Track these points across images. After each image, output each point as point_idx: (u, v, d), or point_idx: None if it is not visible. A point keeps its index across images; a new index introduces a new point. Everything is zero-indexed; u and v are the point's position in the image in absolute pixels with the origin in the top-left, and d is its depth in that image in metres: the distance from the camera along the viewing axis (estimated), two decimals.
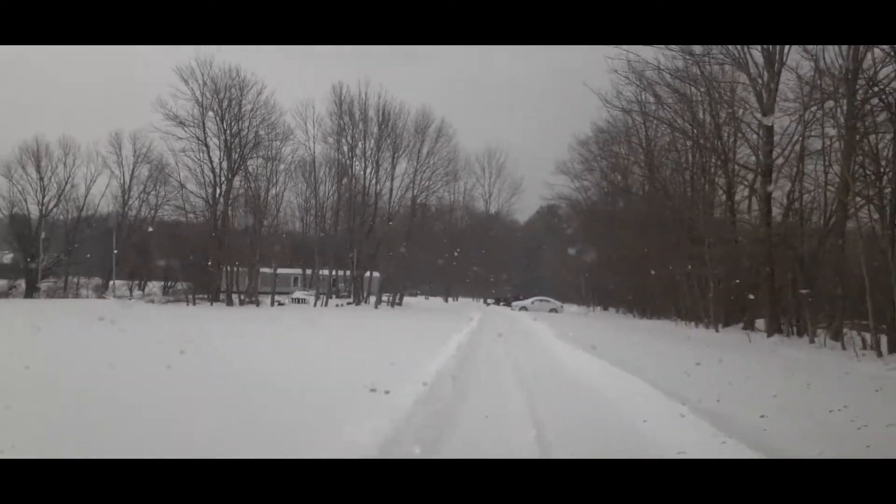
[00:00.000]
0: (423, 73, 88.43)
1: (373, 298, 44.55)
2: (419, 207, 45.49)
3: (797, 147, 19.65)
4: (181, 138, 39.50)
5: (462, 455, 4.93)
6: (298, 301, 43.26)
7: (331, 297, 44.95)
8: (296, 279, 57.91)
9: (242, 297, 40.20)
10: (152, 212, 52.34)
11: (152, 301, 40.68)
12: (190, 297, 39.70)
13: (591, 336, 18.21)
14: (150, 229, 49.53)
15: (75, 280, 51.12)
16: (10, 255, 51.54)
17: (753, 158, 22.81)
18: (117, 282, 52.92)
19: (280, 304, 41.27)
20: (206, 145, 39.85)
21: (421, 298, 62.39)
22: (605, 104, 28.95)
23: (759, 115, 20.81)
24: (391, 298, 44.71)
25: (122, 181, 52.97)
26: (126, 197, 54.19)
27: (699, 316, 26.51)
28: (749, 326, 23.49)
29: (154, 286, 52.71)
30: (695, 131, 25.86)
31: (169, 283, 49.81)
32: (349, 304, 43.03)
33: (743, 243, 23.90)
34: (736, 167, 23.82)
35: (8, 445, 4.40)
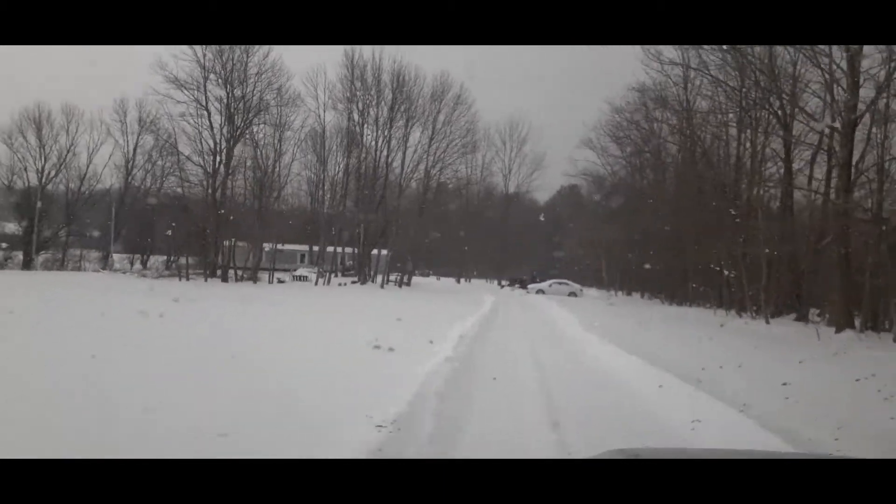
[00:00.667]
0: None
1: (380, 277, 41.80)
2: (433, 181, 42.34)
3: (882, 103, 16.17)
4: (181, 102, 36.70)
5: None
6: (300, 278, 40.61)
7: (336, 275, 42.34)
8: (303, 256, 55.35)
9: (241, 274, 37.63)
10: (157, 182, 49.98)
11: (145, 276, 38.25)
12: (184, 272, 37.15)
13: (627, 330, 15.15)
14: (153, 201, 47.11)
15: (78, 252, 49.08)
16: (8, 226, 49.61)
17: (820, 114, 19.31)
18: (120, 255, 50.88)
19: (280, 281, 38.65)
20: (208, 110, 37.09)
21: (433, 279, 59.55)
22: (647, 57, 25.44)
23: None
24: (399, 278, 41.84)
25: (125, 150, 50.53)
26: (130, 167, 51.85)
27: (742, 304, 23.34)
28: (802, 318, 20.28)
29: (157, 260, 50.57)
30: (745, 85, 22.27)
31: (172, 258, 47.65)
32: (354, 282, 40.30)
33: (803, 218, 20.56)
34: (798, 125, 20.25)
35: None
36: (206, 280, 36.48)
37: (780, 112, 21.19)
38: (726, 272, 23.74)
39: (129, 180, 52.72)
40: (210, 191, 37.84)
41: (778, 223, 20.91)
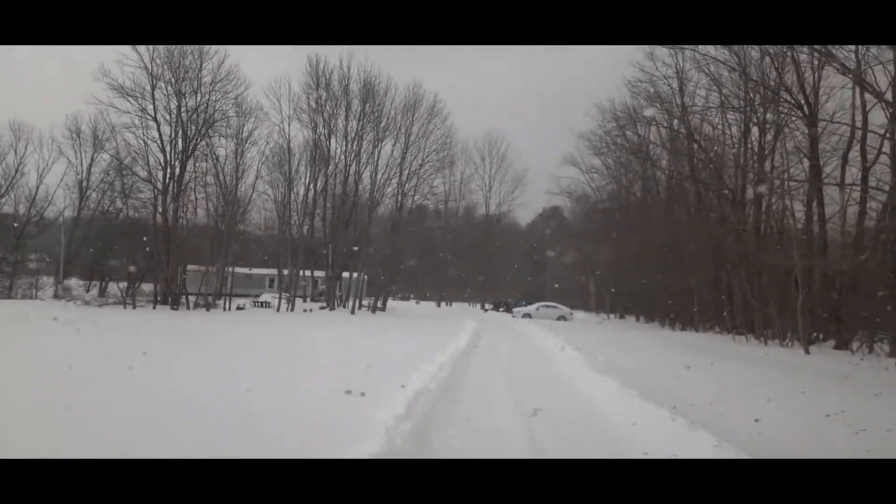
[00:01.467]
0: (416, 55, 78.35)
1: (352, 302, 38.23)
2: (408, 199, 38.97)
3: None
4: (125, 112, 33.09)
5: None
6: (261, 305, 36.81)
7: (304, 300, 38.69)
8: (272, 281, 51.70)
9: (198, 300, 33.82)
10: (113, 203, 46.13)
11: (88, 304, 34.25)
12: (130, 300, 33.27)
13: (653, 370, 11.66)
14: (107, 223, 43.38)
15: (33, 279, 44.99)
16: None
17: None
18: (75, 280, 46.80)
19: (240, 308, 34.83)
20: (157, 120, 33.49)
21: (412, 303, 55.99)
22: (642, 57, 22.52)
23: None
24: (372, 303, 38.19)
25: (77, 170, 46.77)
26: (84, 187, 47.94)
27: (756, 328, 20.11)
28: (843, 345, 17.03)
29: (117, 286, 46.52)
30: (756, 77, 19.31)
31: (131, 284, 43.64)
32: (323, 308, 36.60)
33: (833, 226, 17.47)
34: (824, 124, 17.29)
35: None
36: (154, 308, 32.63)
37: (804, 103, 18.19)
38: (742, 290, 20.48)
39: (83, 202, 48.81)
40: (161, 210, 34.10)
41: (805, 233, 17.74)
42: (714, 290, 28.10)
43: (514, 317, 39.40)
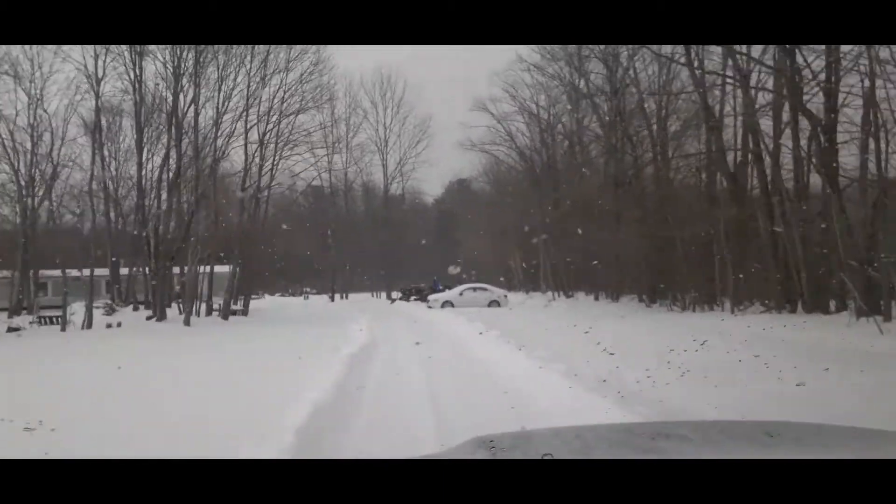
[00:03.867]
0: None
1: (205, 307, 26.58)
2: (269, 148, 27.58)
3: None
4: None
5: None
6: (50, 321, 24.34)
7: (117, 308, 26.85)
8: (109, 283, 38.62)
9: None
10: None
11: None
12: None
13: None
14: None
15: None
16: None
17: None
18: None
19: (13, 329, 22.32)
20: None
21: (299, 299, 44.42)
22: None
23: None
24: (223, 306, 26.53)
25: None
26: None
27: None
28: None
29: None
30: None
31: None
32: (150, 318, 24.70)
33: None
34: None
35: None
36: None
37: None
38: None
39: None
40: None
41: None
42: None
43: (430, 306, 28.94)
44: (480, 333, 14.40)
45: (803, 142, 15.34)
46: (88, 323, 21.94)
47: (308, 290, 51.34)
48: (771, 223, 15.63)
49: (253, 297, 46.82)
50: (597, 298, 27.25)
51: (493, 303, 28.66)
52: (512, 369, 8.35)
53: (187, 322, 22.69)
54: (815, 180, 15.37)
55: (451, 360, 10.25)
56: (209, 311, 27.01)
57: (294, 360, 9.95)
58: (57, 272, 41.67)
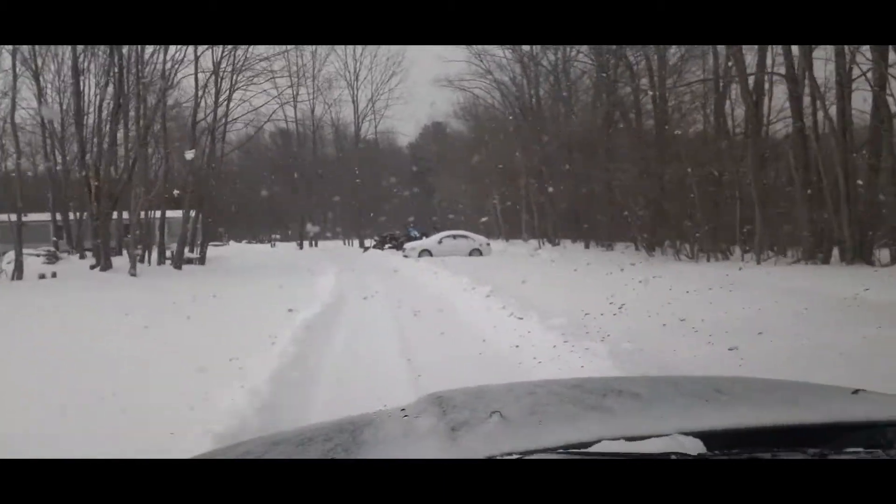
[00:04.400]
0: None
1: (156, 254, 23.98)
2: (226, 73, 24.57)
3: None
4: None
5: None
6: None
7: (61, 256, 24.27)
8: (60, 229, 35.54)
9: None
10: None
11: None
12: None
13: None
14: None
15: None
16: None
17: None
18: None
19: None
20: None
21: (265, 247, 41.73)
22: None
23: None
24: (176, 253, 23.90)
25: None
26: None
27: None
28: None
29: None
30: None
31: None
32: (94, 267, 22.10)
33: None
34: None
35: None
36: None
37: None
38: None
39: None
40: None
41: None
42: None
43: (406, 256, 26.65)
44: (470, 291, 12.20)
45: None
46: (19, 273, 19.24)
47: (276, 237, 48.67)
48: (804, 153, 13.51)
49: (216, 244, 44.17)
50: (587, 247, 25.16)
51: (475, 251, 26.47)
52: (527, 348, 6.14)
53: (133, 272, 20.11)
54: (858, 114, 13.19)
55: (443, 331, 8.02)
56: (161, 260, 24.42)
57: (235, 331, 7.64)
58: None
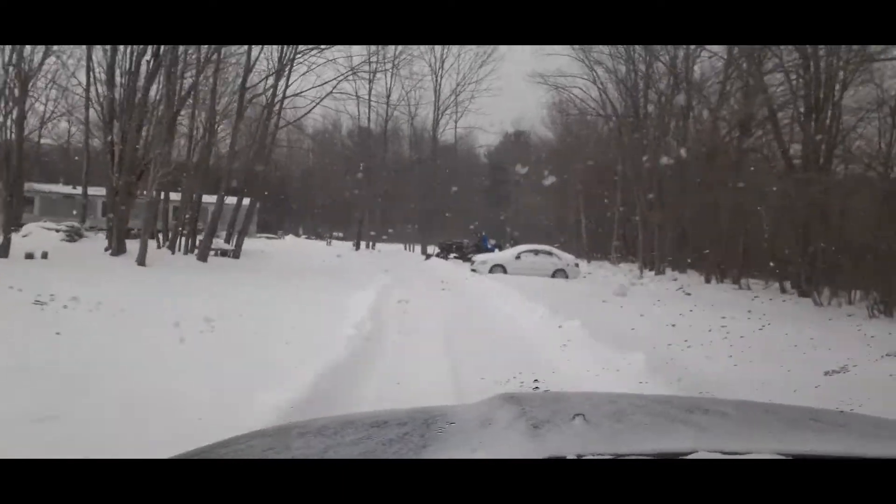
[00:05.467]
0: None
1: (178, 241, 20.46)
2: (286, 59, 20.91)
3: None
4: None
5: None
6: None
7: (85, 234, 21.28)
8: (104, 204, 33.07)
9: None
10: None
11: None
12: None
13: None
14: None
15: None
16: None
17: None
18: None
19: None
20: None
21: (321, 244, 38.09)
22: None
23: None
24: (203, 244, 20.17)
25: None
26: None
27: None
28: None
29: None
30: None
31: None
32: (107, 250, 18.68)
33: None
34: None
35: None
36: None
37: None
38: None
39: None
40: None
41: None
42: None
43: (474, 270, 22.02)
44: (556, 330, 7.61)
45: None
46: (4, 251, 15.86)
47: (336, 234, 45.18)
48: None
49: (268, 236, 40.92)
50: (708, 281, 19.81)
51: (560, 272, 21.60)
52: None
53: (142, 260, 16.43)
54: None
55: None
56: (190, 249, 20.87)
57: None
58: (47, 187, 36.18)
